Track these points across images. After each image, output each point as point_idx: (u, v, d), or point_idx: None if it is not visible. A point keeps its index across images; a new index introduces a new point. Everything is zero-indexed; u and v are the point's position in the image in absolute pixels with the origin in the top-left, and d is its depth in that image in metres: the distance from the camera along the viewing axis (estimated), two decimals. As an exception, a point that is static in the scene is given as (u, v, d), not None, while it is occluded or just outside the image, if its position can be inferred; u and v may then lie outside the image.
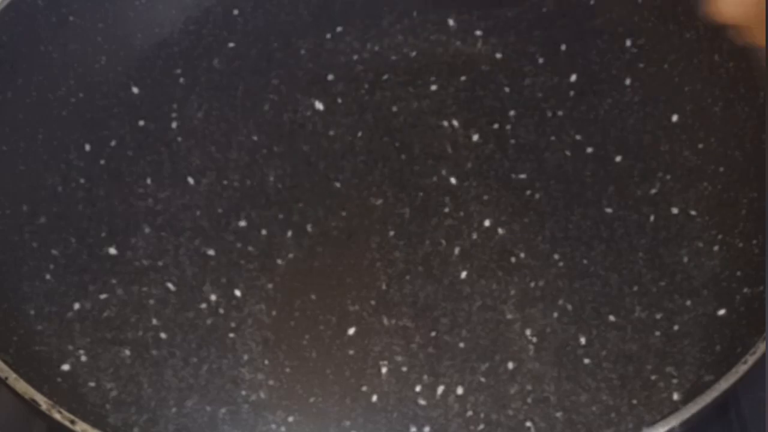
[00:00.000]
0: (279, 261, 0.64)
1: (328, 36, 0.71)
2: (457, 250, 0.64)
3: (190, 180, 0.67)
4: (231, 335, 0.61)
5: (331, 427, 0.58)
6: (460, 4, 0.72)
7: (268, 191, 0.66)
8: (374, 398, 0.59)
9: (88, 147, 0.67)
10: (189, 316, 0.61)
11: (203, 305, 0.62)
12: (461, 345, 0.60)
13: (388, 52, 0.72)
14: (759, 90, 0.62)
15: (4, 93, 0.64)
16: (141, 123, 0.69)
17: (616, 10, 0.70)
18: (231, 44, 0.71)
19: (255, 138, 0.69)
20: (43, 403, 0.51)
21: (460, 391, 0.59)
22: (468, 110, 0.70)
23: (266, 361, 0.60)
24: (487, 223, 0.65)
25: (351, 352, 0.60)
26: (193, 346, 0.60)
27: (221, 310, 0.62)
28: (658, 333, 0.60)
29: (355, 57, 0.71)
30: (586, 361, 0.59)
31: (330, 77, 0.70)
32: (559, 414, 0.58)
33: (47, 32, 0.66)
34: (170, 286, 0.62)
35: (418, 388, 0.59)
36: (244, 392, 0.59)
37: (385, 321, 0.61)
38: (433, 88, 0.70)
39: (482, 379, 0.59)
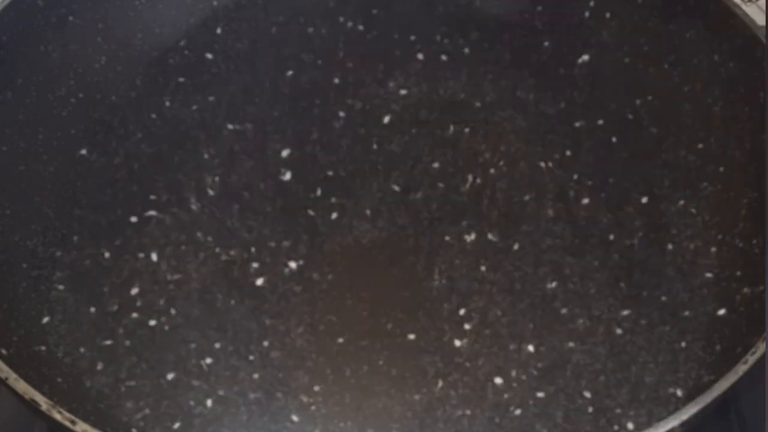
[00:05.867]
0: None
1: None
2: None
3: (193, 180, 0.67)
4: (245, 354, 0.61)
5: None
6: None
7: (275, 188, 0.67)
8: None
9: (87, 147, 0.67)
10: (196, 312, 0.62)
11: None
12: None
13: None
14: (759, 90, 0.62)
15: (4, 93, 0.64)
16: (142, 119, 0.69)
17: (616, 10, 0.70)
18: (238, 45, 0.71)
19: (258, 138, 0.69)
20: (43, 403, 0.51)
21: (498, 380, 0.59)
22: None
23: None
24: (490, 235, 0.65)
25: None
26: (193, 347, 0.61)
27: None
28: (658, 332, 0.60)
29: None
30: (592, 360, 0.60)
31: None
32: (561, 413, 0.58)
33: (47, 32, 0.66)
34: (172, 287, 0.63)
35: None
36: (252, 395, 0.59)
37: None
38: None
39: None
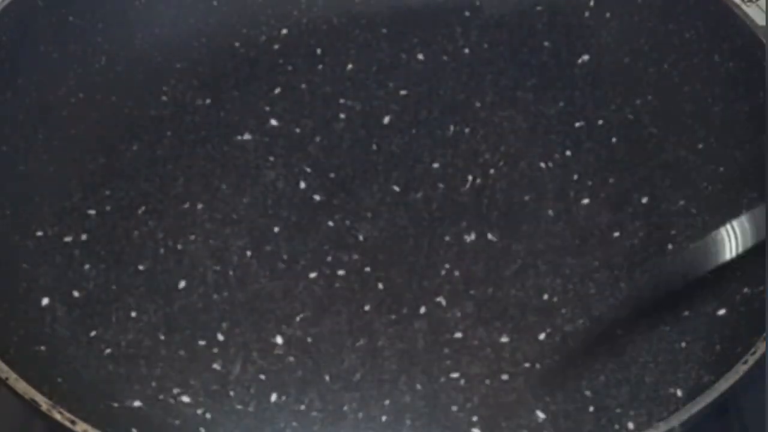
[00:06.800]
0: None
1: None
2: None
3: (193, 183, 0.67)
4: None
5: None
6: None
7: (275, 191, 0.67)
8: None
9: (87, 147, 0.67)
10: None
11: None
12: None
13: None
14: (759, 90, 0.62)
15: (4, 93, 0.64)
16: (141, 119, 0.69)
17: (616, 11, 0.71)
18: (236, 44, 0.71)
19: (258, 138, 0.69)
20: (43, 403, 0.51)
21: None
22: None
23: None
24: (490, 235, 0.65)
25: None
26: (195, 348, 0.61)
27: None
28: (658, 332, 0.60)
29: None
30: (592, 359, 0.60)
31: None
32: (564, 413, 0.58)
33: (47, 32, 0.66)
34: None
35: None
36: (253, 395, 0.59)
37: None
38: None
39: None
